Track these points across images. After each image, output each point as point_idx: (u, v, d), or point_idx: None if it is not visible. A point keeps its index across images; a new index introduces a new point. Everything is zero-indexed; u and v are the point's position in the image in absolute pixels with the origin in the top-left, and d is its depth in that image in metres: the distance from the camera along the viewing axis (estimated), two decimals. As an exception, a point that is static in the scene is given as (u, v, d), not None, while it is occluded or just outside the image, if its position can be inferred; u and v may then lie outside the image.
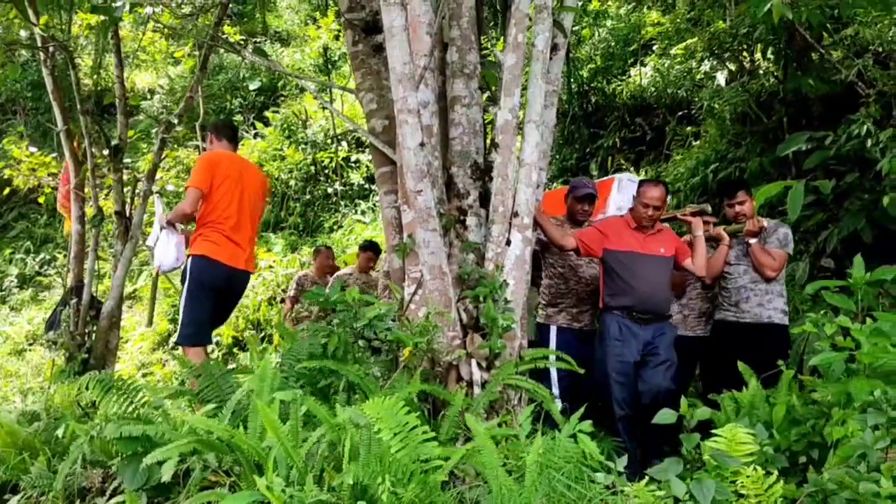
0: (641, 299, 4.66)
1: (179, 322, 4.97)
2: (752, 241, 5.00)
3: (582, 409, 3.24)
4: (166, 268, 5.14)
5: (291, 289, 8.15)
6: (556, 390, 4.73)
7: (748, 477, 2.40)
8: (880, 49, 7.04)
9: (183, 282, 4.99)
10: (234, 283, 5.13)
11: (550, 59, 4.64)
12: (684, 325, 5.38)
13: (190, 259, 4.95)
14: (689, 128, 9.82)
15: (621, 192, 5.97)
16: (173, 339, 7.54)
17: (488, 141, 4.80)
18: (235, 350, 9.15)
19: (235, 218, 4.99)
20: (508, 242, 4.39)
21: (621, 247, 4.74)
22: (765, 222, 5.03)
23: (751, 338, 4.86)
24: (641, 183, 4.96)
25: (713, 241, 5.12)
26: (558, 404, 4.12)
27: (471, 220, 4.54)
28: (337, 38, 13.27)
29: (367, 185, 11.50)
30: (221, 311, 5.28)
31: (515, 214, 4.35)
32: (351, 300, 4.31)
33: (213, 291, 4.96)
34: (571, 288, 5.17)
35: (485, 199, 4.55)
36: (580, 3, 11.58)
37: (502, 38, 4.63)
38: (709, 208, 4.99)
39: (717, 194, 6.53)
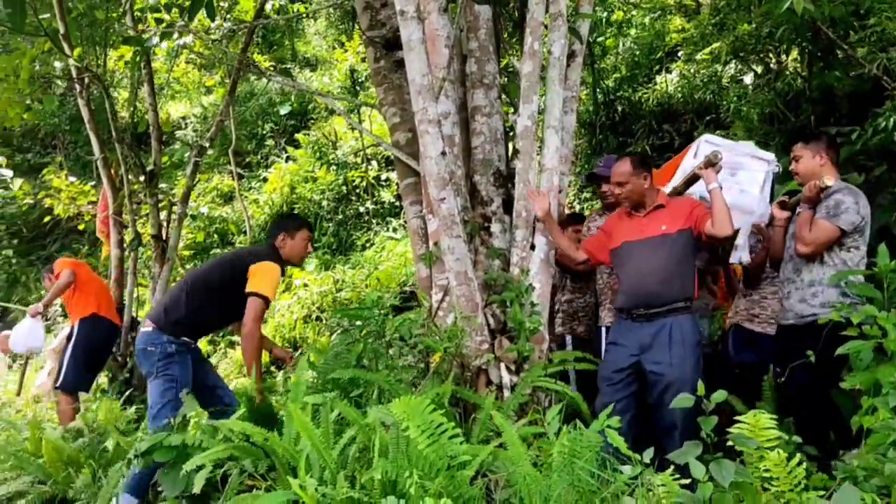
0: (631, 293, 4.05)
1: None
2: (804, 208, 3.96)
3: (609, 409, 3.25)
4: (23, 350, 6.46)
5: None
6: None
7: (771, 461, 2.41)
8: (905, 42, 6.99)
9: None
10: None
11: (568, 65, 4.71)
12: (755, 322, 4.75)
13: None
14: (717, 131, 9.78)
15: (699, 156, 4.87)
16: None
17: (510, 148, 4.88)
18: (272, 368, 9.26)
19: None
20: (533, 247, 4.45)
21: (619, 241, 4.18)
22: (830, 182, 3.80)
23: (791, 343, 3.91)
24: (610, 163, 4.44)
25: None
26: None
27: (495, 227, 4.61)
28: (363, 60, 13.46)
29: (397, 203, 11.60)
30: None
31: (538, 219, 4.41)
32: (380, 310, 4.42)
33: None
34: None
35: (508, 206, 4.62)
36: (604, 15, 11.65)
37: (520, 48, 4.71)
38: (719, 155, 4.05)
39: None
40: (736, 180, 4.42)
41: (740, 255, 4.43)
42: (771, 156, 4.61)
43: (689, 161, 4.75)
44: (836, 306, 3.64)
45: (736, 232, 4.00)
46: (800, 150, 4.04)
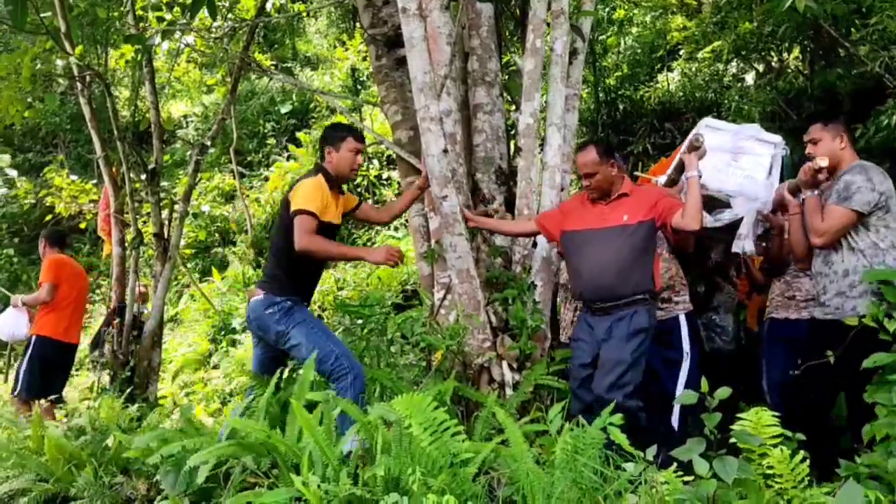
0: (587, 284, 3.89)
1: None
2: (808, 194, 3.75)
3: (612, 405, 3.23)
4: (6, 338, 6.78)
5: None
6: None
7: (774, 458, 2.41)
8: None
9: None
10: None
11: (570, 63, 4.70)
12: (792, 307, 4.43)
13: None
14: (718, 130, 9.76)
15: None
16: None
17: (512, 146, 4.88)
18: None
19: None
20: (535, 244, 4.46)
21: (577, 226, 3.96)
22: (824, 162, 3.61)
23: (835, 340, 3.53)
24: (577, 150, 4.25)
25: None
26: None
27: (508, 218, 4.60)
28: (365, 59, 13.45)
29: (398, 202, 11.62)
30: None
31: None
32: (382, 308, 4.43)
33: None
34: None
35: (510, 204, 4.62)
36: (605, 13, 11.64)
37: (522, 46, 4.70)
38: (701, 138, 3.83)
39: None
40: (739, 165, 4.28)
41: (743, 244, 4.25)
42: (777, 138, 4.42)
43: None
44: (873, 302, 3.41)
45: (741, 226, 3.91)
46: (818, 133, 3.73)
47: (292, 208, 3.82)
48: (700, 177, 3.72)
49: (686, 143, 4.14)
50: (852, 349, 3.38)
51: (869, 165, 3.65)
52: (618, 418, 3.00)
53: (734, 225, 4.28)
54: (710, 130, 4.45)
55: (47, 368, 6.36)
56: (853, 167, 3.63)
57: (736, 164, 4.29)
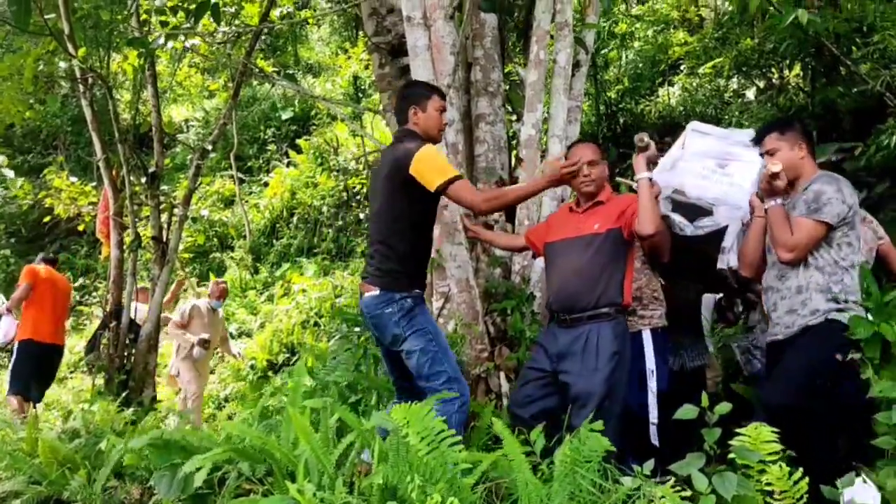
0: (555, 295, 3.66)
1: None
2: (771, 203, 3.41)
3: (590, 415, 3.11)
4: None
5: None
6: None
7: (773, 475, 2.40)
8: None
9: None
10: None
11: (573, 75, 4.72)
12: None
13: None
14: (718, 145, 9.78)
15: (687, 146, 4.35)
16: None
17: (513, 157, 4.88)
18: (270, 374, 9.24)
19: None
20: (535, 256, 4.44)
21: (556, 236, 3.75)
22: (777, 168, 3.34)
23: (777, 360, 3.40)
24: (569, 147, 4.02)
25: None
26: None
27: (500, 231, 4.60)
28: (367, 67, 13.49)
29: (397, 210, 11.62)
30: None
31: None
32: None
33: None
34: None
35: (511, 214, 4.62)
36: (607, 27, 11.69)
37: (525, 57, 4.72)
38: (645, 137, 3.56)
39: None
40: (725, 172, 3.94)
41: (728, 258, 3.92)
42: None
43: (676, 151, 4.29)
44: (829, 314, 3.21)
45: (724, 238, 3.75)
46: (775, 142, 3.43)
47: (433, 186, 3.32)
48: (650, 179, 3.51)
49: (687, 148, 3.96)
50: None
51: (837, 176, 3.40)
52: (598, 425, 2.94)
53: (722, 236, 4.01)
54: (696, 135, 4.21)
55: (31, 371, 6.60)
56: (821, 177, 3.37)
57: (722, 170, 3.94)
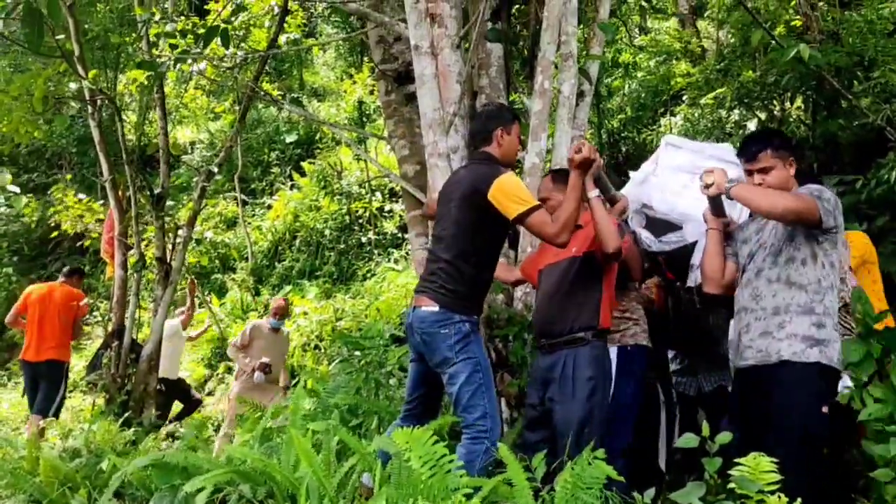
0: (536, 320, 3.73)
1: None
2: (712, 223, 3.39)
3: (592, 442, 3.09)
4: None
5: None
6: None
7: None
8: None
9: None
10: None
11: (577, 105, 4.77)
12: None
13: None
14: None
15: (661, 161, 4.34)
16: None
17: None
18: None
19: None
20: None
21: (543, 263, 3.78)
22: (710, 179, 3.21)
23: (750, 391, 3.18)
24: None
25: None
26: None
27: (500, 262, 4.62)
28: (371, 92, 13.61)
29: (400, 235, 11.67)
30: None
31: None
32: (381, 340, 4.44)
33: None
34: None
35: (514, 241, 4.65)
36: (611, 57, 11.81)
37: (529, 86, 4.78)
38: (582, 149, 3.29)
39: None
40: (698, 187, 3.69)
41: (696, 276, 3.87)
42: None
43: (649, 166, 4.33)
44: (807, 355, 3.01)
45: (693, 255, 3.69)
46: (770, 160, 3.19)
47: (512, 214, 3.26)
48: (600, 197, 3.49)
49: (662, 164, 3.95)
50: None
51: (821, 187, 3.20)
52: (601, 452, 2.95)
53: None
54: (670, 148, 4.20)
55: (27, 387, 7.15)
56: (811, 184, 3.20)
57: (694, 185, 3.69)
